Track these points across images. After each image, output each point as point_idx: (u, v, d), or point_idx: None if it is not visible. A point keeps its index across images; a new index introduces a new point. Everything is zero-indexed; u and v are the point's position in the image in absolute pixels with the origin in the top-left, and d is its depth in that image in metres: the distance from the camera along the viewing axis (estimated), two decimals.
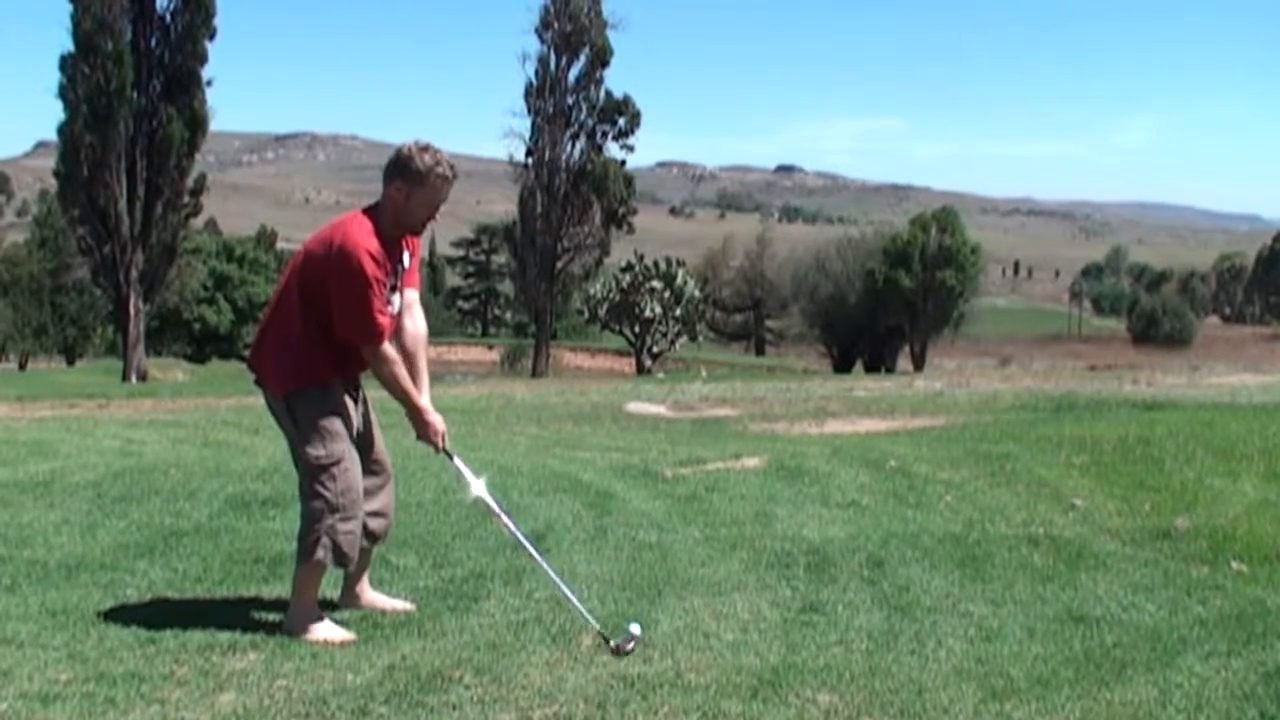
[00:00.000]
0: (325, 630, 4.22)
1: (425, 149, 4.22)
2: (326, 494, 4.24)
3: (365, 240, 4.14)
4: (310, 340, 4.25)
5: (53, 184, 40.63)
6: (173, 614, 4.45)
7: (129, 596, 4.74)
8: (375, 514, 4.47)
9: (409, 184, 4.20)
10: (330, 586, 4.72)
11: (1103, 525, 6.09)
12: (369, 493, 4.42)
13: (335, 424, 4.29)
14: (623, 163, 47.05)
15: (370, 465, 4.47)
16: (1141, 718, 3.51)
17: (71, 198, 35.46)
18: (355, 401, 4.45)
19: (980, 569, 5.24)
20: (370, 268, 4.11)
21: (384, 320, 4.21)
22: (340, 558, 4.28)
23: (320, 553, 4.24)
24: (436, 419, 4.40)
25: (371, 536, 4.48)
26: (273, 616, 4.39)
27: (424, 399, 4.40)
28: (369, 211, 4.26)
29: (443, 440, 4.42)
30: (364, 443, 4.46)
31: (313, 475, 4.26)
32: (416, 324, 4.46)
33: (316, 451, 4.25)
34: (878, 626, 4.40)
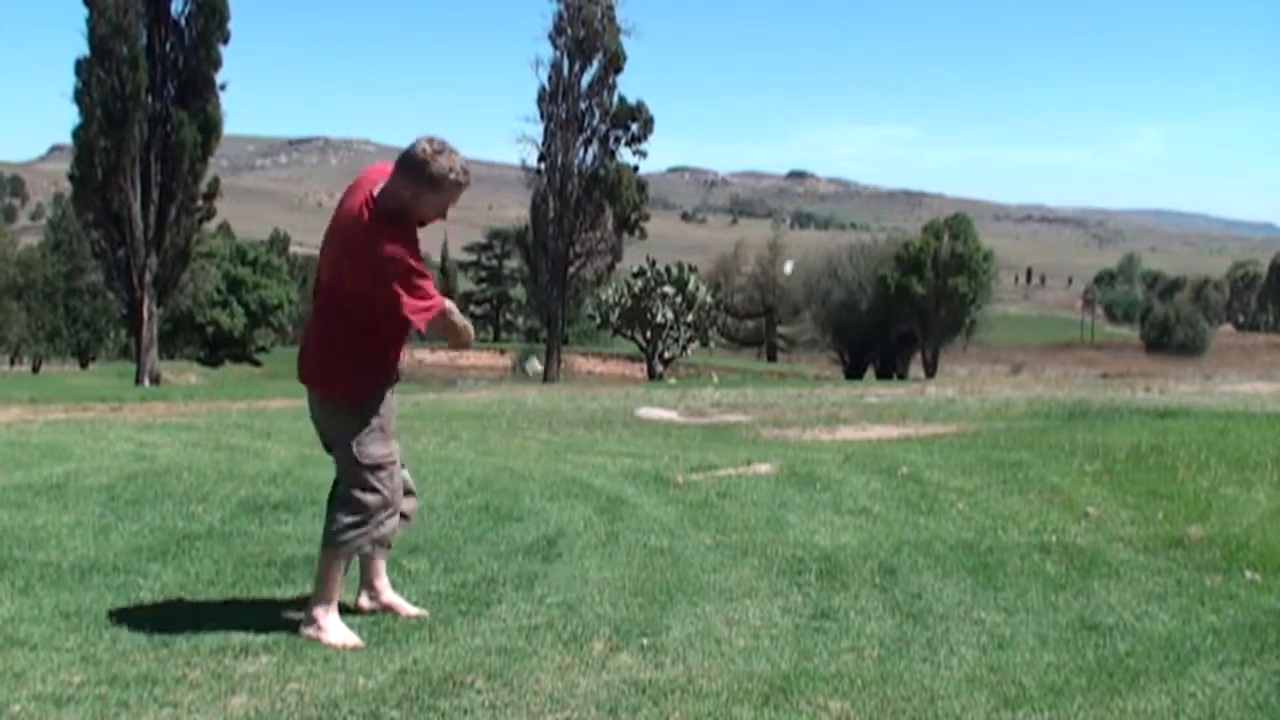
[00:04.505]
0: (338, 632, 4.24)
1: (441, 151, 4.09)
2: (384, 491, 4.33)
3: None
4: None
5: (67, 188, 40.78)
6: (185, 617, 4.46)
7: (142, 599, 4.75)
8: (406, 494, 4.61)
9: (420, 186, 4.11)
10: (346, 591, 4.73)
11: (1115, 533, 6.06)
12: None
13: (388, 424, 4.40)
14: (635, 168, 47.15)
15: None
16: None
17: (86, 201, 35.58)
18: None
19: (992, 576, 5.22)
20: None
21: None
22: (383, 544, 4.48)
23: (367, 546, 4.37)
24: None
25: (405, 519, 4.63)
26: (285, 620, 4.39)
27: None
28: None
29: None
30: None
31: (371, 472, 4.32)
32: None
33: (379, 450, 4.33)
34: (890, 634, 4.39)
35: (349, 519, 4.31)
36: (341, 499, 4.35)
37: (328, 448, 4.49)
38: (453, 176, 4.12)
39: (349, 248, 4.17)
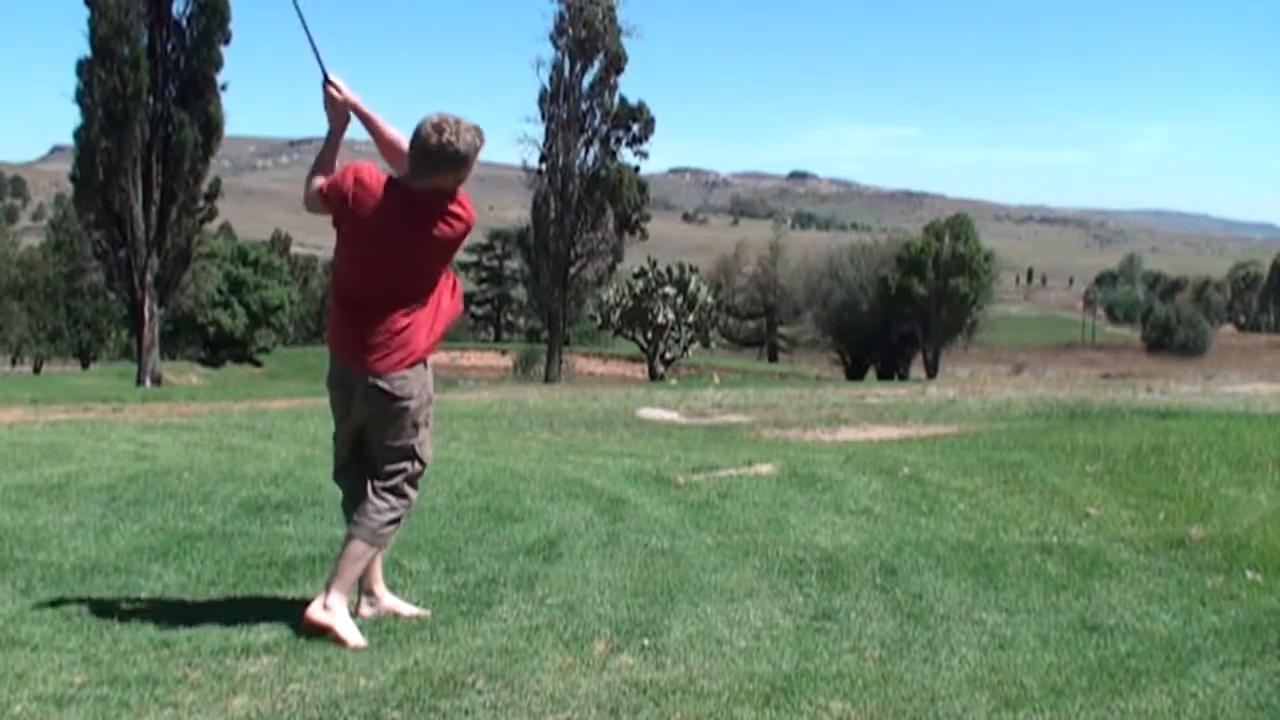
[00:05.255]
0: (347, 625, 4.25)
1: (456, 131, 4.17)
2: (416, 493, 4.54)
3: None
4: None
5: (68, 188, 40.81)
6: (186, 617, 4.45)
7: (143, 600, 4.75)
8: None
9: (459, 168, 4.25)
10: (352, 593, 4.73)
11: (1116, 534, 6.06)
12: None
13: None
14: (636, 169, 47.19)
15: None
16: None
17: (87, 202, 35.63)
18: None
19: (993, 577, 5.22)
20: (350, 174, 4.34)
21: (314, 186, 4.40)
22: None
23: (390, 539, 4.54)
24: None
25: None
26: (287, 621, 4.39)
27: None
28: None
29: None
30: None
31: (422, 473, 4.53)
32: None
33: (431, 452, 4.55)
34: (890, 634, 4.39)
35: (394, 514, 4.43)
36: (389, 490, 4.42)
37: (356, 446, 4.51)
38: (477, 144, 4.26)
39: (433, 234, 4.27)
